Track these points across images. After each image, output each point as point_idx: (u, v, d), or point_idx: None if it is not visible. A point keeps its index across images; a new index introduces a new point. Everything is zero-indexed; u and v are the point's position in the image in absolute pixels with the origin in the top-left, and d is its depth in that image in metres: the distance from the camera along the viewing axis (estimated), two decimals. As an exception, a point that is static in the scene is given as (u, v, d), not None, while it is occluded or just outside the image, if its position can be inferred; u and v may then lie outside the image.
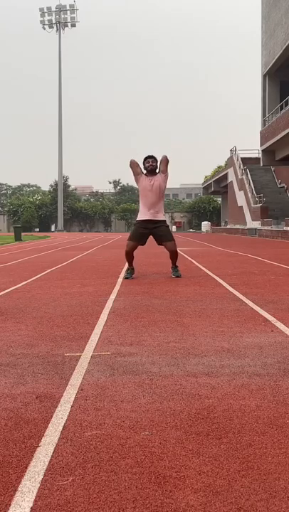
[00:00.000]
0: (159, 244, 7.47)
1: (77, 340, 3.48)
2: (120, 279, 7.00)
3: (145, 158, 7.15)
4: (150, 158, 7.12)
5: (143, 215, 7.22)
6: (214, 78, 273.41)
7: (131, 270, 7.25)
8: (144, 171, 7.18)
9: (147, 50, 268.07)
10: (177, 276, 7.20)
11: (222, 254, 13.03)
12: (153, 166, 7.10)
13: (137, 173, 7.17)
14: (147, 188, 7.10)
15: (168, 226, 7.45)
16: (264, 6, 32.61)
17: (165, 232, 7.26)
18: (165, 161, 7.16)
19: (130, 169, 7.22)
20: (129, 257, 7.27)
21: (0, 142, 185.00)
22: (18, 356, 3.09)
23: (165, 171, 7.17)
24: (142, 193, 7.21)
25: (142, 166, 7.20)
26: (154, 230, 7.23)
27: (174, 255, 7.26)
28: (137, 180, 7.26)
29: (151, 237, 7.40)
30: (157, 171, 7.17)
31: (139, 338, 3.51)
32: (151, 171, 7.11)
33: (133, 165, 7.17)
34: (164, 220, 7.35)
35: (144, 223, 7.22)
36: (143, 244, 7.40)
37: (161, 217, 7.24)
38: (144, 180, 7.13)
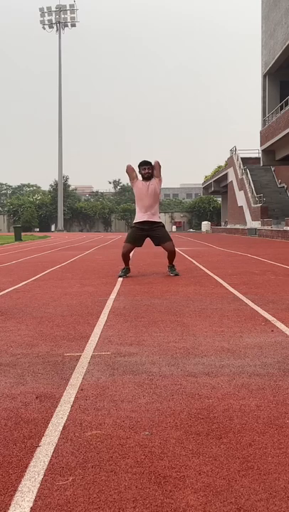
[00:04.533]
0: (156, 245, 7.67)
1: (77, 340, 3.48)
2: (120, 279, 7.00)
3: (141, 165, 7.35)
4: (146, 166, 7.31)
5: (139, 217, 7.44)
6: (214, 78, 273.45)
7: (126, 269, 7.47)
8: (140, 176, 7.41)
9: (147, 50, 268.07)
10: (176, 275, 7.39)
11: (222, 254, 13.03)
12: (149, 174, 7.32)
13: (133, 178, 7.42)
14: (143, 191, 7.33)
15: (164, 227, 7.65)
16: (264, 6, 32.60)
17: (162, 233, 7.49)
18: (158, 166, 7.37)
19: (127, 174, 7.48)
20: (126, 258, 7.47)
21: (0, 142, 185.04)
22: (18, 356, 3.09)
23: (158, 176, 7.41)
24: (138, 196, 7.44)
25: (137, 171, 7.40)
26: (150, 232, 7.46)
27: (171, 255, 7.49)
28: (132, 185, 7.52)
29: (148, 239, 7.61)
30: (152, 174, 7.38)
31: (139, 338, 3.51)
32: (147, 178, 7.34)
33: (129, 170, 7.42)
34: (160, 222, 7.55)
35: (140, 225, 7.43)
36: (140, 246, 7.61)
37: (157, 218, 7.47)
38: (140, 183, 7.38)
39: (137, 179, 7.40)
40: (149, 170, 7.29)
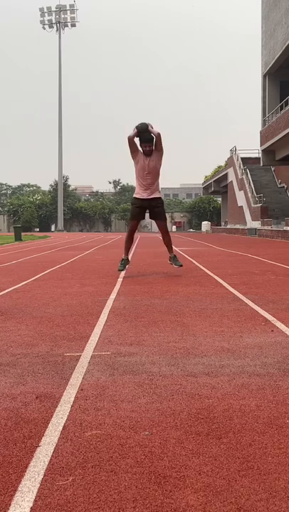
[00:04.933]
0: (151, 218, 7.80)
1: (77, 340, 3.48)
2: (120, 279, 7.00)
3: (142, 141, 7.23)
4: (148, 143, 7.20)
5: (140, 194, 7.47)
6: (214, 78, 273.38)
7: (125, 261, 7.52)
8: (141, 149, 7.34)
9: (147, 50, 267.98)
10: (180, 266, 7.47)
11: (222, 254, 13.03)
12: (150, 150, 7.26)
13: (133, 151, 7.33)
14: (144, 169, 7.30)
15: (163, 204, 7.71)
16: (264, 6, 32.60)
17: (161, 210, 7.56)
18: (158, 138, 7.23)
19: (128, 145, 7.32)
20: (130, 238, 7.57)
21: (0, 142, 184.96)
22: (18, 356, 3.09)
23: (160, 149, 7.31)
24: (138, 172, 7.39)
25: (137, 141, 7.29)
26: (150, 207, 7.54)
27: (167, 237, 7.58)
28: (133, 158, 7.39)
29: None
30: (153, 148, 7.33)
31: (139, 338, 3.51)
32: (148, 154, 7.27)
33: (130, 142, 7.28)
34: (160, 197, 7.58)
35: (140, 202, 7.49)
36: (143, 218, 7.78)
37: (157, 194, 7.50)
38: (141, 158, 7.29)
39: (138, 152, 7.32)
40: (150, 147, 7.23)
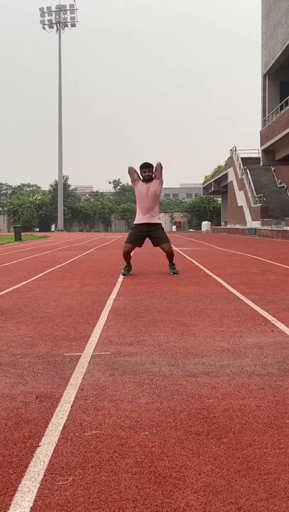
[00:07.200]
0: (154, 246, 7.97)
1: (77, 340, 3.48)
2: (120, 279, 7.00)
3: (141, 167, 7.59)
4: (146, 169, 7.55)
5: (140, 219, 7.73)
6: (214, 77, 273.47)
7: (128, 267, 7.74)
8: (141, 177, 7.63)
9: (148, 50, 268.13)
10: (174, 273, 7.67)
11: (222, 254, 13.03)
12: (150, 176, 7.55)
13: (134, 180, 7.65)
14: (143, 193, 7.57)
15: (163, 229, 7.95)
16: (264, 6, 32.59)
17: (161, 235, 7.77)
18: (159, 168, 7.58)
19: (128, 175, 7.71)
20: (127, 257, 7.76)
21: (0, 142, 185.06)
22: (18, 356, 3.09)
23: (160, 177, 7.60)
24: (138, 198, 7.69)
25: (138, 172, 7.63)
26: (150, 233, 7.75)
27: (170, 255, 7.80)
28: (134, 186, 7.74)
29: (148, 239, 7.92)
30: (153, 176, 7.59)
31: (139, 338, 3.51)
32: (148, 180, 7.55)
33: (131, 171, 7.66)
34: (160, 223, 7.86)
35: (140, 227, 7.72)
36: (140, 246, 7.92)
37: (156, 220, 7.77)
38: (141, 185, 7.59)
39: (138, 181, 7.60)
40: (149, 173, 7.52)
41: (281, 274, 7.46)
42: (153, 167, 7.54)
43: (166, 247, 7.67)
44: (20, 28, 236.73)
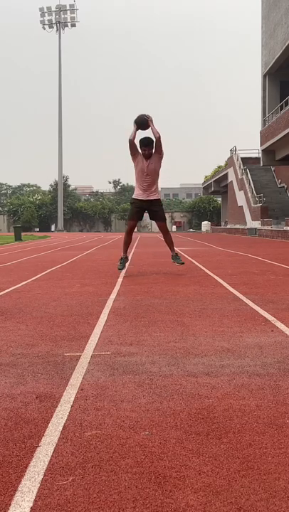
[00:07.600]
0: (151, 219, 7.92)
1: (77, 340, 3.48)
2: (120, 279, 7.00)
3: (141, 145, 7.35)
4: (146, 147, 7.32)
5: (139, 194, 7.60)
6: (214, 77, 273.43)
7: (124, 260, 7.64)
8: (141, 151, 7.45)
9: (148, 50, 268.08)
10: (181, 263, 7.62)
11: (222, 254, 13.03)
12: (150, 154, 7.37)
13: (134, 153, 7.43)
14: (144, 170, 7.41)
15: (162, 205, 7.84)
16: (264, 6, 32.59)
17: (159, 210, 7.68)
18: (158, 142, 7.33)
19: (128, 148, 7.43)
20: (129, 237, 7.69)
21: (0, 142, 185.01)
22: (18, 356, 3.09)
23: (160, 152, 7.42)
24: (137, 174, 7.52)
25: (138, 145, 7.39)
26: (149, 207, 7.66)
27: (167, 237, 7.74)
28: (133, 160, 7.50)
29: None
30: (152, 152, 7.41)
31: (139, 338, 3.51)
32: (147, 156, 7.37)
33: (131, 146, 7.38)
34: (159, 199, 7.73)
35: (139, 202, 7.61)
36: (141, 219, 7.87)
37: (156, 196, 7.64)
38: (141, 161, 7.40)
39: (138, 155, 7.42)
40: (149, 151, 7.34)
41: (281, 274, 7.46)
42: (153, 143, 7.32)
43: (162, 225, 7.64)
44: (21, 28, 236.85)
